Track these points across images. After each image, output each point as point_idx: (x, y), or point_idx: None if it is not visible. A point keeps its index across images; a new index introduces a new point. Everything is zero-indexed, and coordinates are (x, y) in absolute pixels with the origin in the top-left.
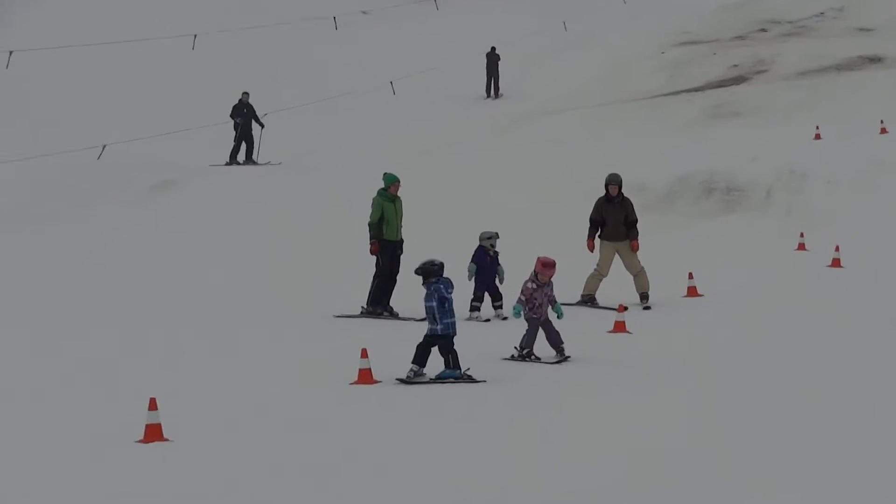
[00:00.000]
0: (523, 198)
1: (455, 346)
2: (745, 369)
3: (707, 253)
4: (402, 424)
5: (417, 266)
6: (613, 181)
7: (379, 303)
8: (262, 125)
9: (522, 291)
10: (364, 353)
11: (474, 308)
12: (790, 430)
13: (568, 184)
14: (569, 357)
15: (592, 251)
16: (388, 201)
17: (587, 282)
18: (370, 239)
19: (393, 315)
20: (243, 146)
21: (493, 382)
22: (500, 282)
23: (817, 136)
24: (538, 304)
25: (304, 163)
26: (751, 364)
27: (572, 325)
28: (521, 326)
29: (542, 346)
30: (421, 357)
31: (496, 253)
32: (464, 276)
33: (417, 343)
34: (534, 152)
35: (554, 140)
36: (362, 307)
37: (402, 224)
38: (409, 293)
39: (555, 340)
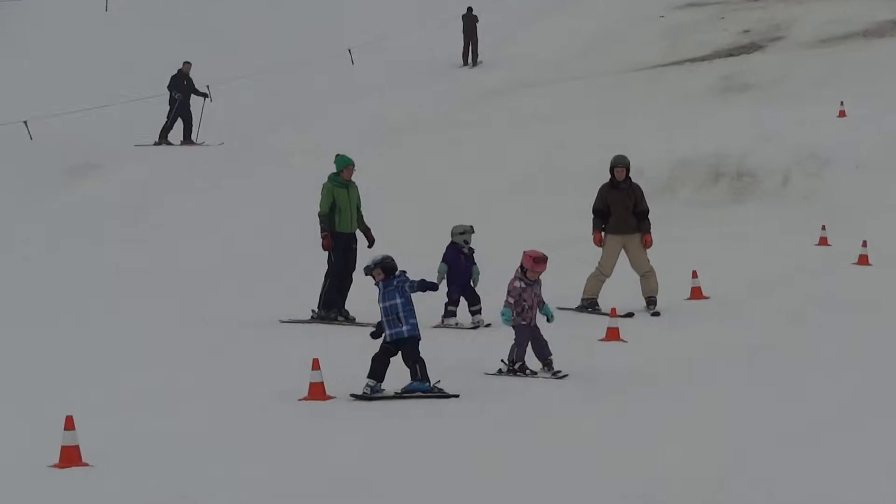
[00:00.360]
0: (502, 184)
1: (421, 354)
2: (756, 388)
3: (714, 248)
4: (364, 447)
5: (370, 264)
6: (620, 163)
7: (332, 306)
8: (206, 96)
9: (510, 292)
10: (315, 365)
11: (450, 314)
12: (805, 461)
13: (553, 168)
14: (559, 372)
15: (600, 245)
16: (340, 187)
17: (587, 283)
18: (321, 232)
19: (349, 320)
20: (179, 124)
21: (467, 397)
22: (474, 284)
23: (842, 114)
24: (527, 306)
25: (247, 144)
26: (763, 381)
27: (559, 331)
28: (506, 333)
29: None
30: (378, 370)
31: (471, 250)
32: (433, 278)
33: (373, 354)
34: (515, 131)
35: (537, 116)
36: (313, 311)
37: (362, 214)
38: (367, 294)
39: (542, 351)
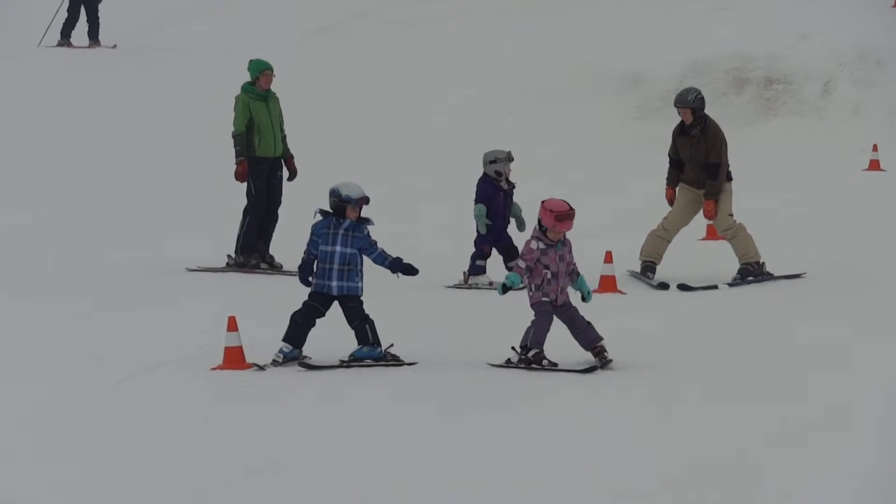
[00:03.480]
0: (470, 99)
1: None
2: (782, 366)
3: (737, 175)
4: (290, 430)
5: (355, 195)
6: (681, 103)
7: (253, 250)
8: None
9: (523, 255)
10: (232, 324)
11: (478, 269)
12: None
13: (534, 79)
14: (611, 360)
15: (672, 203)
16: (257, 100)
17: (646, 241)
18: (236, 157)
19: (273, 268)
20: (83, 21)
21: (427, 366)
22: (521, 227)
23: None
24: (549, 275)
25: (142, 45)
26: (791, 356)
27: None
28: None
29: (559, 344)
30: (298, 333)
31: (511, 185)
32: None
33: (294, 312)
34: (481, 29)
35: (507, 13)
36: (229, 257)
37: (284, 131)
38: (297, 234)
39: (586, 336)
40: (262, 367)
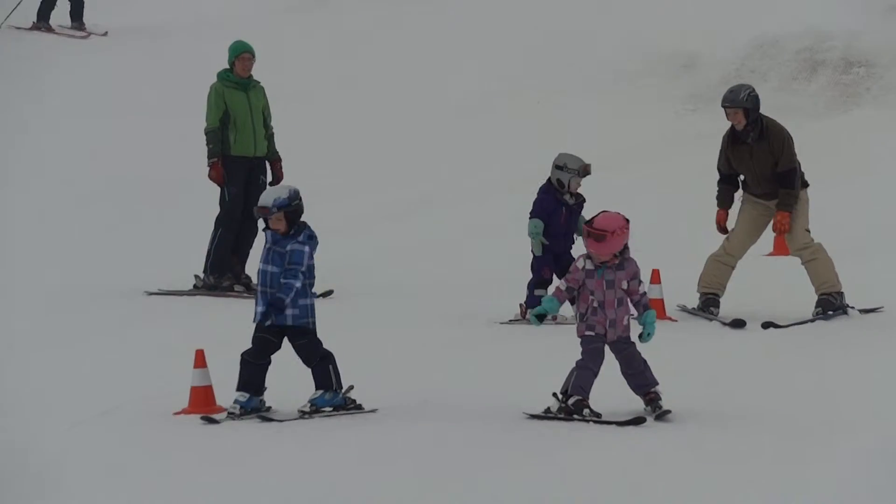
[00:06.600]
0: (491, 88)
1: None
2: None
3: (811, 174)
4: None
5: (270, 203)
6: (731, 101)
7: (226, 269)
8: None
9: (567, 275)
10: (200, 360)
11: (535, 301)
12: None
13: (567, 64)
14: (668, 412)
15: (723, 229)
16: (235, 89)
17: (705, 268)
18: (208, 157)
19: (250, 290)
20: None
21: (391, 414)
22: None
23: None
24: (596, 303)
25: (104, 24)
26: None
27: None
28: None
29: (608, 389)
30: (253, 376)
31: (578, 201)
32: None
33: (243, 352)
34: (508, 5)
35: None
36: (197, 277)
37: (272, 130)
38: None
39: (640, 380)
40: (233, 414)
